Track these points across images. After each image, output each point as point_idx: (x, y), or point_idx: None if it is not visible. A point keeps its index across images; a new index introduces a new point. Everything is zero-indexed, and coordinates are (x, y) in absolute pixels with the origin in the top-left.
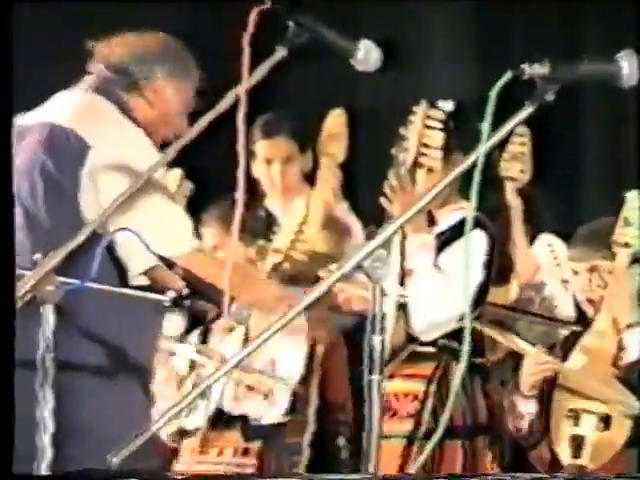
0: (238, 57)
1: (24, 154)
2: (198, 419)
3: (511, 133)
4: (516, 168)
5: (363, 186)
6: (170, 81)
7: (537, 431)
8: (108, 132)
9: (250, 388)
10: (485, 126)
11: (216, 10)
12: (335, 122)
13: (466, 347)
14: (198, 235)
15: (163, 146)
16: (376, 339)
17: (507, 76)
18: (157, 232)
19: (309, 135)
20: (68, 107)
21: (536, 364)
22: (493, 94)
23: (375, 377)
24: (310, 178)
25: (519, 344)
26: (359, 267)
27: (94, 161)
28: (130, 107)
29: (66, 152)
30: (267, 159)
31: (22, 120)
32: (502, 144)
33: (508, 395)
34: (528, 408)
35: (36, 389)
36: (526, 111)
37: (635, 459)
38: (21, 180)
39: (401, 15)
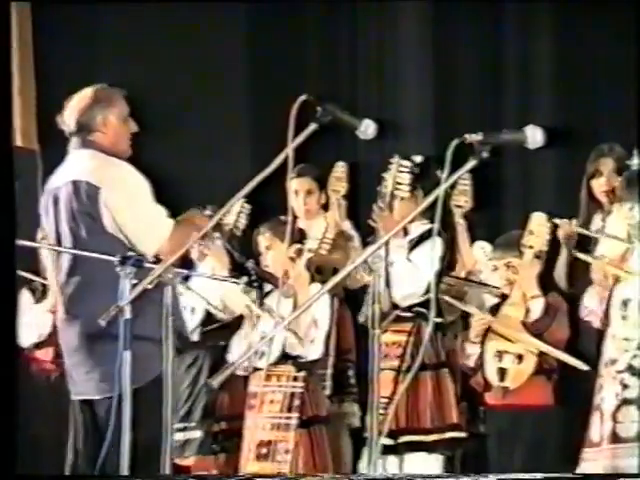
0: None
1: (63, 205)
2: (266, 359)
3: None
4: (462, 199)
5: (362, 211)
6: (109, 113)
7: (477, 365)
8: (106, 174)
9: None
10: (444, 174)
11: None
12: (339, 170)
13: (432, 312)
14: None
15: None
16: (376, 307)
17: (455, 142)
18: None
19: (324, 178)
20: (77, 165)
21: (479, 320)
22: (448, 153)
23: (376, 331)
24: (325, 208)
25: (470, 309)
26: (364, 262)
27: (104, 195)
28: (95, 141)
29: (88, 195)
30: (296, 191)
31: (52, 184)
32: (453, 185)
33: (461, 342)
34: (473, 350)
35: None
36: (470, 164)
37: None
38: (68, 219)
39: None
